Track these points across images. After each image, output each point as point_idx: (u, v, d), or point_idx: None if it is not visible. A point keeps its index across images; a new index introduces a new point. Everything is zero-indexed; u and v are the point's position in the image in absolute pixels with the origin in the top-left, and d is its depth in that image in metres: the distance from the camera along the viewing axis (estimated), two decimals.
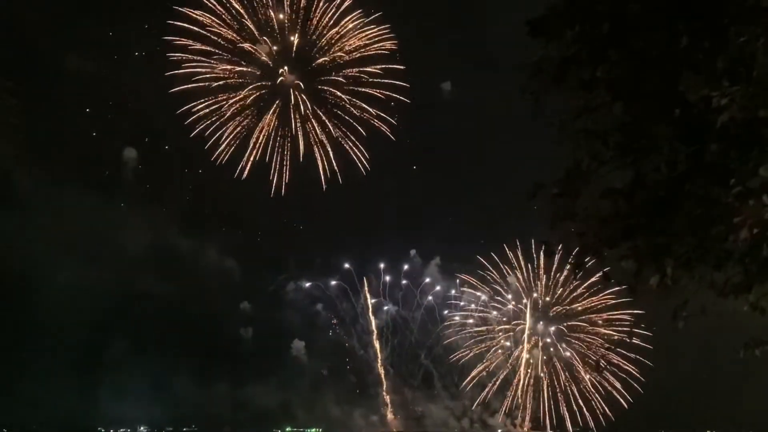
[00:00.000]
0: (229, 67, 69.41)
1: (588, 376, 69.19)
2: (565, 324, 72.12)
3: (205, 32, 67.45)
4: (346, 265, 74.52)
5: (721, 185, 7.53)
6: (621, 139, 8.15)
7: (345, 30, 70.13)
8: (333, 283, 74.73)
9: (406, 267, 75.48)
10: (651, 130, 7.90)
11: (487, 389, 72.57)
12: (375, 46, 70.39)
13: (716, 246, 7.73)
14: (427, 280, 75.61)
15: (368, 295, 74.37)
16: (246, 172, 69.93)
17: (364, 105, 70.47)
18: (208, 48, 68.21)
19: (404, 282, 75.04)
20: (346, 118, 71.21)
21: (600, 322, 70.36)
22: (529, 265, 73.27)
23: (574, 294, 71.78)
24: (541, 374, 71.79)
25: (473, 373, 72.32)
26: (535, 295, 72.90)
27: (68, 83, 69.62)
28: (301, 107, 71.08)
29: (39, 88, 67.80)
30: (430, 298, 75.01)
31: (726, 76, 7.35)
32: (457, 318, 73.96)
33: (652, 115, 7.93)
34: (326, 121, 70.99)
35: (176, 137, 70.62)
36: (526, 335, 72.59)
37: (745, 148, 7.42)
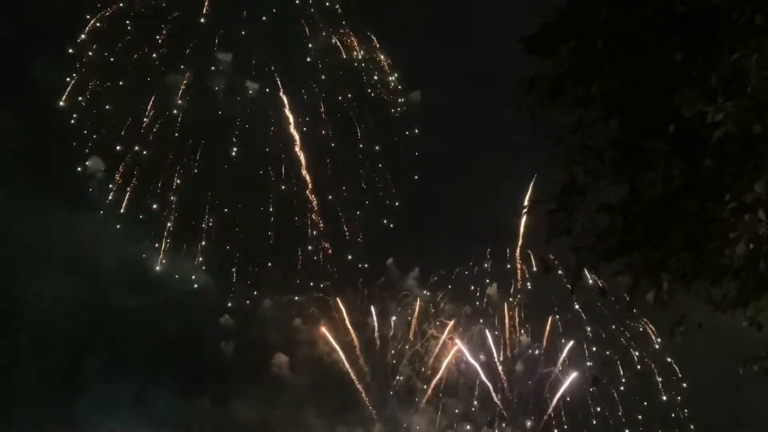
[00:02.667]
0: None
1: None
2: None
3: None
4: (325, 283, 73.79)
5: (717, 200, 7.59)
6: (616, 154, 8.21)
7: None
8: (313, 297, 74.31)
9: (382, 279, 74.94)
10: (646, 146, 7.95)
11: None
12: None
13: (712, 261, 7.78)
14: (406, 293, 75.30)
15: (344, 311, 73.94)
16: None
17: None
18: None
19: (383, 295, 74.63)
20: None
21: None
22: (512, 279, 73.50)
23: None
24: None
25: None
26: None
27: (31, 95, 68.63)
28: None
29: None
30: (409, 311, 74.76)
31: (720, 92, 7.43)
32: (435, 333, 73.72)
33: (647, 130, 7.99)
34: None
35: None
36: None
37: (740, 163, 7.49)
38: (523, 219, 66.96)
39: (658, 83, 7.90)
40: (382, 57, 70.05)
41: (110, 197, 68.91)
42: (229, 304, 73.15)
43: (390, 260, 75.60)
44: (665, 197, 7.90)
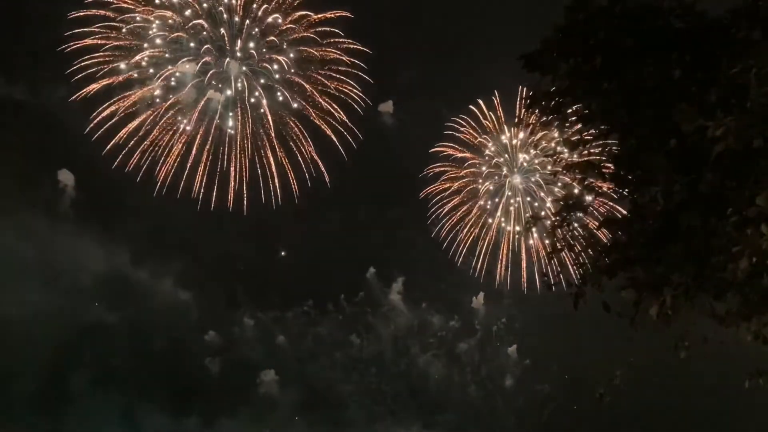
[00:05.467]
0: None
1: None
2: None
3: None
4: (310, 302, 73.04)
5: (719, 215, 7.60)
6: (617, 170, 8.23)
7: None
8: (300, 311, 73.69)
9: (362, 294, 73.74)
10: (646, 162, 7.97)
11: None
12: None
13: (715, 275, 7.77)
14: (389, 306, 74.56)
15: (324, 330, 73.37)
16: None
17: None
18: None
19: (366, 310, 73.81)
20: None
21: None
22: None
23: None
24: None
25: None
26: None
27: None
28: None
29: None
30: (394, 326, 74.16)
31: (720, 107, 7.48)
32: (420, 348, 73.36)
33: (648, 146, 8.01)
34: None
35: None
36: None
37: (741, 177, 7.52)
38: (509, 228, 66.92)
39: (658, 99, 7.94)
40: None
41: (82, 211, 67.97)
42: (212, 321, 72.38)
43: (371, 270, 74.00)
44: (667, 212, 7.90)
